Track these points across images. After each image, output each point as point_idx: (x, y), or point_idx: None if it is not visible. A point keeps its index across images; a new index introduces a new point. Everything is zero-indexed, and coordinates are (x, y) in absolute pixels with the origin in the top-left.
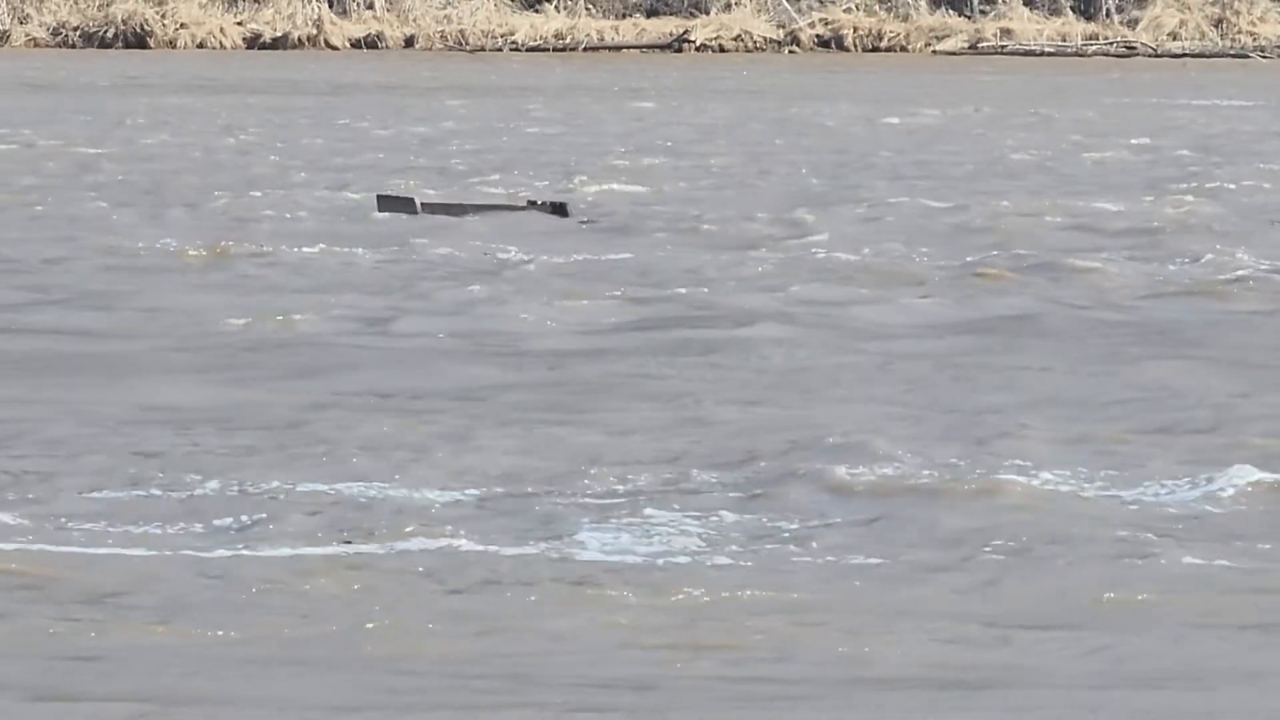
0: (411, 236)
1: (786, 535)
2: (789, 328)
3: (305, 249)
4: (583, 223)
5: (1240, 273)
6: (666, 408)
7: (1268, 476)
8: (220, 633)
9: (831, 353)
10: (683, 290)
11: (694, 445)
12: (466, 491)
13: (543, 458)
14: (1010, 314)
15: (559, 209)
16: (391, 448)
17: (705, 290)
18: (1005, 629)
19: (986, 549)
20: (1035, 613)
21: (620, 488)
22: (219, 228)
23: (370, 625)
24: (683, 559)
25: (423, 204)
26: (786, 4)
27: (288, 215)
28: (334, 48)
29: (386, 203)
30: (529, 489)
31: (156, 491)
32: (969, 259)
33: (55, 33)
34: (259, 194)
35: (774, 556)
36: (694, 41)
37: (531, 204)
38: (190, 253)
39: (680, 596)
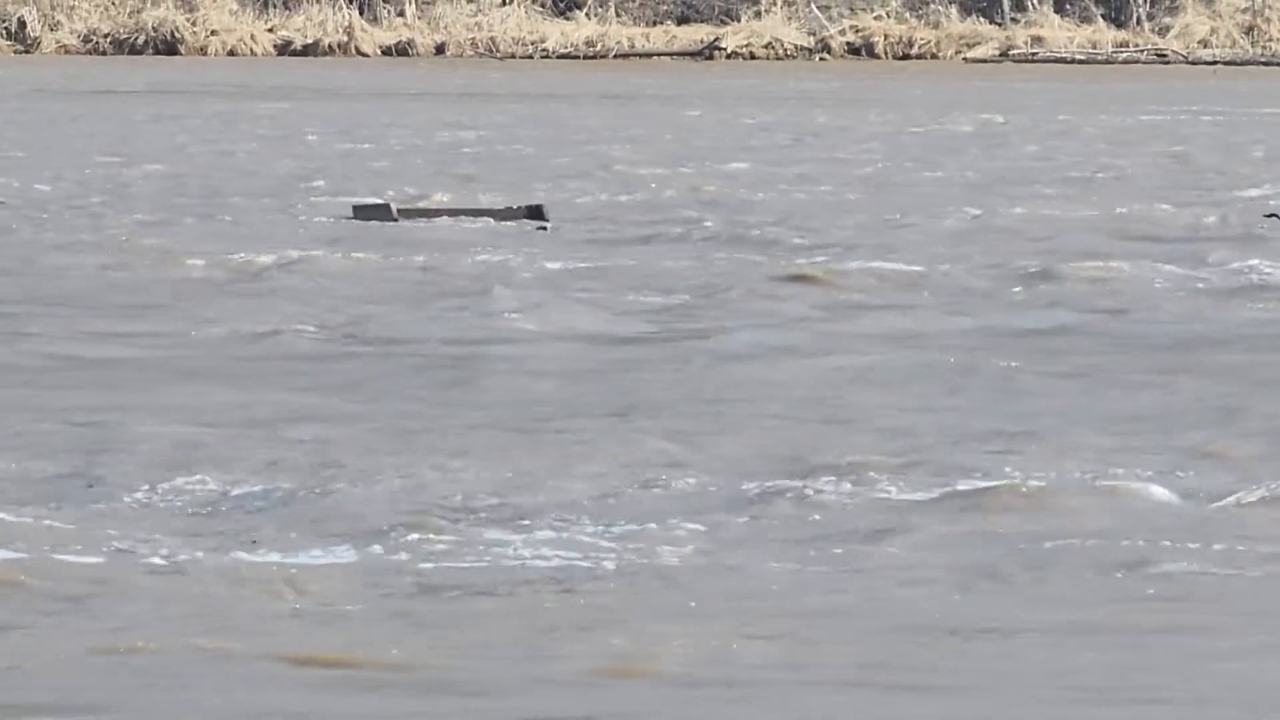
0: (393, 243)
1: (752, 543)
2: (783, 337)
3: (293, 255)
4: (540, 228)
5: (1259, 279)
6: (648, 416)
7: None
8: (149, 643)
9: (823, 363)
10: (684, 298)
11: (669, 455)
12: (418, 499)
13: (507, 467)
14: (1023, 323)
15: (535, 213)
16: (342, 456)
17: (703, 299)
18: (968, 637)
19: (965, 557)
20: (1002, 620)
21: (591, 496)
22: (216, 234)
23: (305, 633)
24: (640, 564)
25: (399, 210)
26: (817, 11)
27: (283, 222)
28: (364, 55)
29: (363, 211)
30: (484, 498)
31: (101, 498)
32: (989, 266)
33: (86, 39)
34: (267, 200)
35: (737, 564)
36: (725, 49)
37: (510, 209)
38: (185, 261)
39: (634, 601)
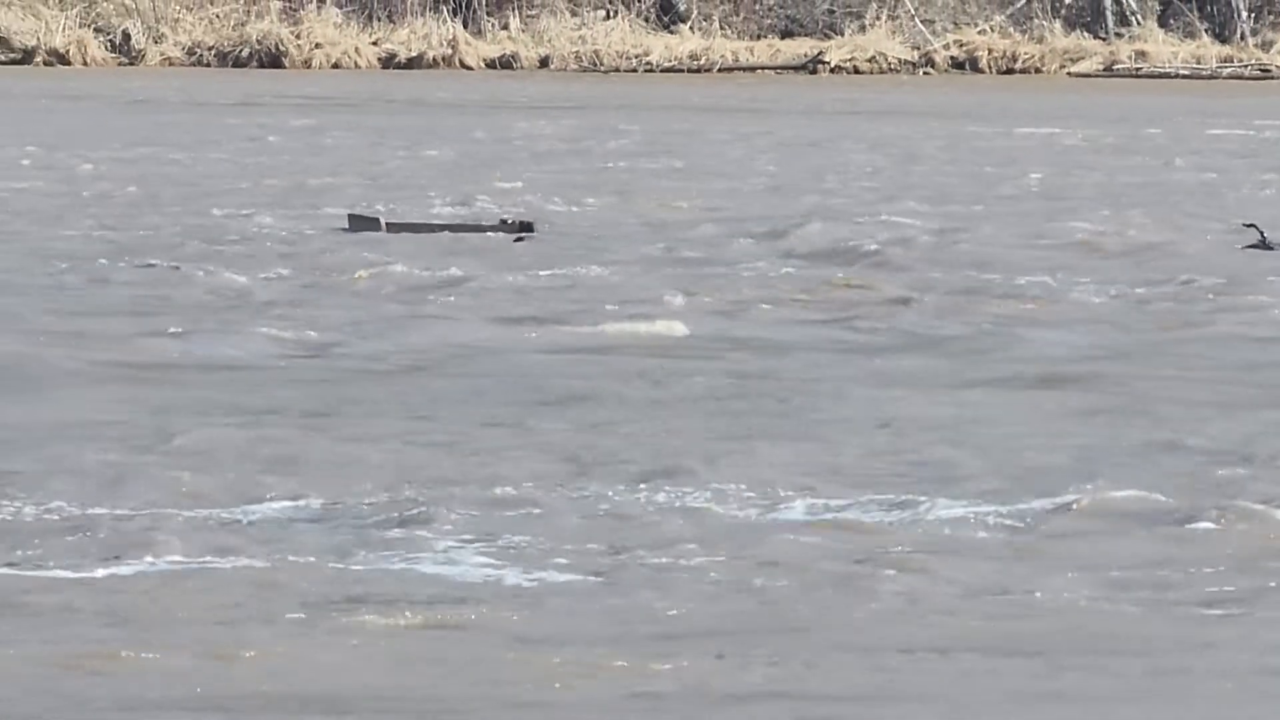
0: (376, 254)
1: (761, 557)
2: (843, 353)
3: (275, 269)
4: (518, 239)
5: None
6: (658, 426)
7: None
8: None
9: (828, 380)
10: (748, 311)
11: (685, 469)
12: (339, 507)
13: (507, 474)
14: (1106, 341)
15: (526, 229)
16: (265, 466)
17: (768, 314)
18: (930, 649)
19: (963, 571)
20: (990, 636)
21: (594, 508)
22: (254, 245)
23: (219, 643)
24: (642, 575)
25: (388, 224)
26: (921, 26)
27: (282, 234)
28: (469, 68)
29: (357, 222)
30: (476, 502)
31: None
32: (1089, 282)
33: (190, 52)
34: (331, 211)
35: (741, 582)
36: (828, 63)
37: (503, 223)
38: (224, 274)
39: (628, 615)
